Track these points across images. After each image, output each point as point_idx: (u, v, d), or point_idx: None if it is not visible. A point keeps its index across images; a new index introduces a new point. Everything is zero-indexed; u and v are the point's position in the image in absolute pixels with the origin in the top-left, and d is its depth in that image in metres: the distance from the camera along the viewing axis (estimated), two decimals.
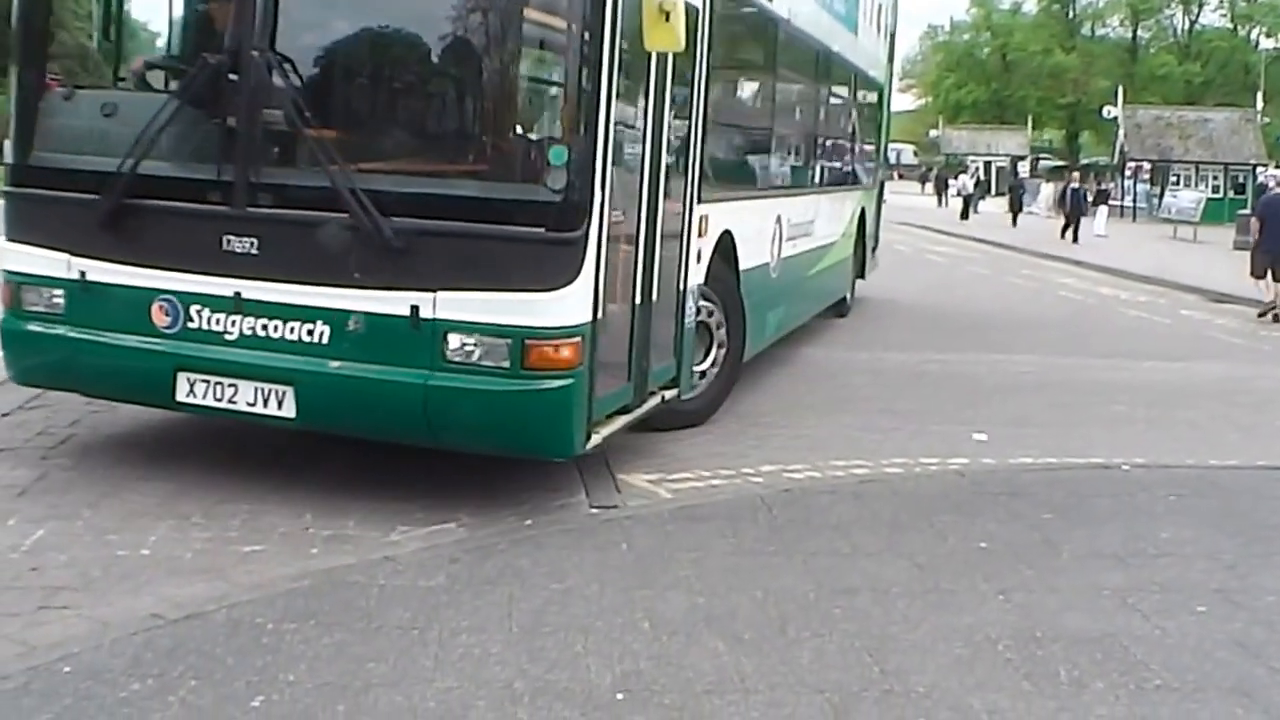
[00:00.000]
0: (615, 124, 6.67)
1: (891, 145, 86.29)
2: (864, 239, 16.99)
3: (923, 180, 66.43)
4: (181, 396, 6.96)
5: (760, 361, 11.82)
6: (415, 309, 6.47)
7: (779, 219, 11.13)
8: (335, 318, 6.62)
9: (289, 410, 6.77)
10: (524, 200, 6.50)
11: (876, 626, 5.42)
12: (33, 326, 7.31)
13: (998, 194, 56.67)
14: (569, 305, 6.46)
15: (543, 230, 6.42)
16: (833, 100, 14.58)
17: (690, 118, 8.26)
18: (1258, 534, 7.16)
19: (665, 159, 7.61)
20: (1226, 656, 5.32)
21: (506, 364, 6.42)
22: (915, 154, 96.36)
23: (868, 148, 17.34)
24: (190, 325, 6.87)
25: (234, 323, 6.79)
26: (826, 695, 4.71)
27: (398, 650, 4.99)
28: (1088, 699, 4.81)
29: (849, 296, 16.61)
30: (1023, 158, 74.74)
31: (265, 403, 6.79)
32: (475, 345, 6.44)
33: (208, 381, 6.88)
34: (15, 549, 6.21)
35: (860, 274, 17.19)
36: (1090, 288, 24.34)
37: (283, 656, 4.89)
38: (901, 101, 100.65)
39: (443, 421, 6.59)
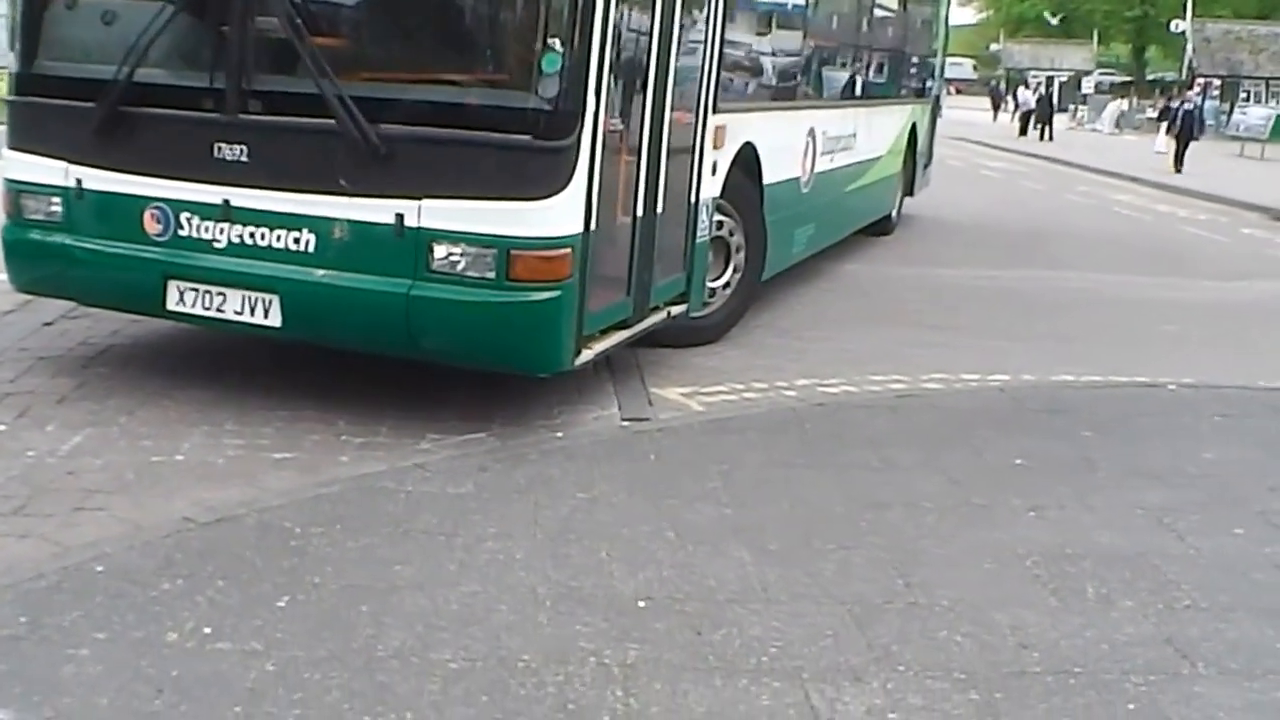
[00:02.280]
0: (616, 31, 6.59)
1: (953, 59, 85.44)
2: (914, 156, 16.70)
3: (993, 98, 65.47)
4: (172, 305, 7.02)
5: (801, 276, 11.88)
6: (400, 217, 6.45)
7: (812, 132, 10.97)
8: (321, 226, 6.63)
9: (275, 319, 6.82)
10: (512, 107, 6.43)
11: (904, 540, 5.48)
12: (33, 234, 7.40)
13: (1059, 109, 55.94)
14: (557, 216, 6.40)
15: (529, 138, 6.36)
16: (878, 11, 14.24)
17: (705, 25, 8.11)
18: None
19: (673, 68, 7.47)
20: (1262, 578, 5.33)
21: (491, 275, 6.37)
22: (975, 68, 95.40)
23: (920, 61, 17.01)
24: (180, 233, 6.93)
25: (222, 231, 6.83)
26: (849, 606, 4.77)
27: (424, 554, 5.10)
28: (1115, 616, 4.84)
29: (895, 214, 16.33)
30: (1087, 73, 73.79)
31: (252, 311, 6.83)
32: (460, 255, 6.39)
33: (196, 290, 6.94)
34: (53, 454, 6.35)
35: (909, 191, 16.97)
36: (1148, 205, 24.13)
37: (310, 559, 5.01)
38: (962, 15, 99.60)
39: (425, 333, 6.58)
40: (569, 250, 6.43)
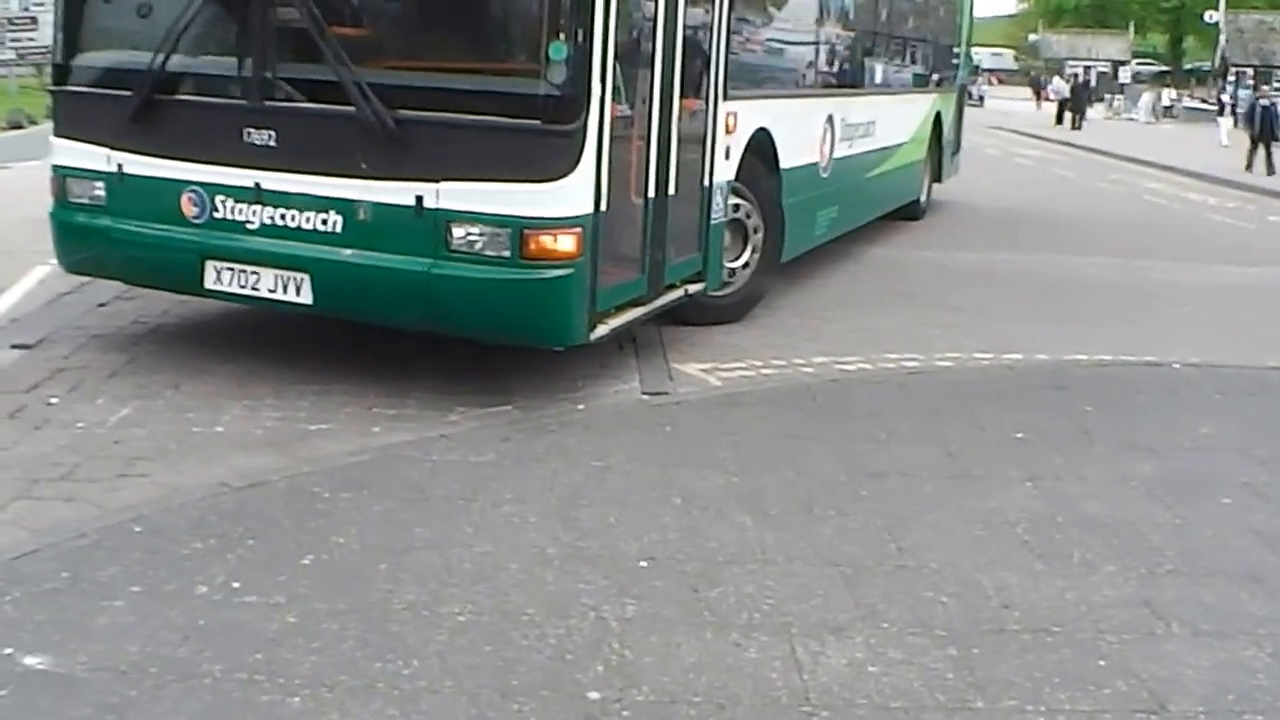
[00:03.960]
0: (621, 22, 6.70)
1: (992, 50, 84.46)
2: (940, 144, 16.68)
3: (1035, 87, 65.14)
4: (209, 284, 7.22)
5: (826, 259, 11.98)
6: (420, 199, 6.59)
7: (830, 119, 11.04)
8: (347, 207, 6.78)
9: (306, 297, 6.99)
10: (522, 93, 6.54)
11: (900, 508, 5.59)
12: (78, 217, 7.61)
13: (1095, 99, 55.50)
14: (567, 196, 6.52)
15: (539, 123, 6.48)
16: (896, 2, 14.23)
17: (713, 18, 8.20)
18: None
19: (680, 57, 7.55)
20: (1242, 545, 5.42)
21: (506, 253, 6.50)
22: (1016, 59, 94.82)
23: (944, 50, 16.96)
24: (216, 215, 7.10)
25: (255, 212, 6.99)
26: (840, 568, 4.90)
27: (442, 518, 5.26)
28: (1096, 580, 4.94)
29: (923, 200, 16.35)
30: (1124, 63, 73.26)
31: (285, 289, 7.02)
32: (477, 235, 6.54)
33: (232, 269, 7.12)
34: (102, 424, 6.57)
35: (937, 178, 16.99)
36: (1177, 193, 24.01)
37: (335, 521, 5.18)
38: (1002, 5, 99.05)
39: (445, 309, 6.73)
40: (579, 230, 6.55)
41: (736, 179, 8.76)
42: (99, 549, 4.82)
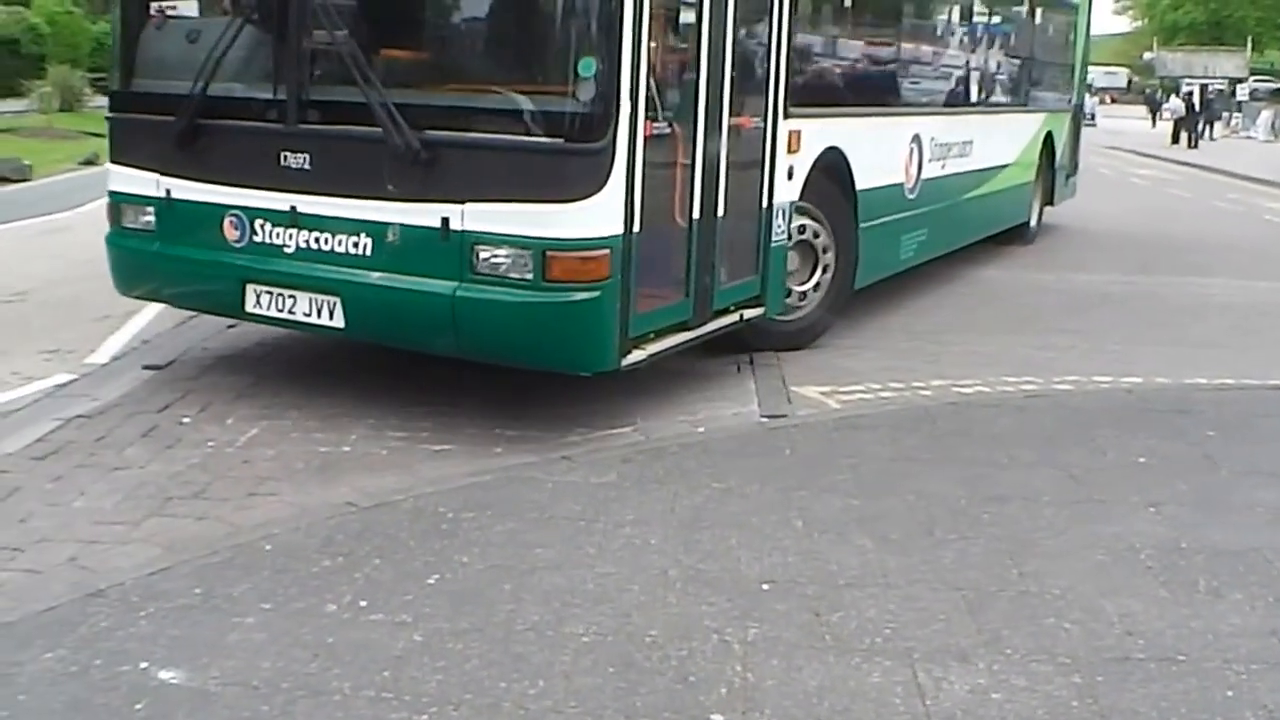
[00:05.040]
0: (659, 35, 6.61)
1: (1106, 69, 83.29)
2: (1052, 165, 16.29)
3: (1150, 105, 64.21)
4: (250, 307, 7.22)
5: (936, 281, 11.94)
6: (445, 220, 6.47)
7: (917, 138, 10.77)
8: (376, 230, 6.70)
9: (339, 321, 6.93)
10: (546, 111, 6.38)
11: (1022, 532, 5.51)
12: (131, 242, 7.65)
13: (1213, 118, 54.45)
14: (594, 217, 6.34)
15: (562, 141, 6.33)
16: (995, 18, 13.84)
17: (771, 33, 7.94)
18: None
19: (732, 73, 7.33)
20: None
21: (530, 276, 6.33)
22: (1130, 77, 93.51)
23: (1056, 68, 16.53)
24: (256, 239, 7.08)
25: (291, 236, 6.96)
26: (963, 593, 4.84)
27: (564, 538, 5.27)
28: (1222, 608, 4.82)
29: (1033, 224, 15.92)
30: (1241, 80, 71.87)
31: (319, 313, 6.97)
32: (501, 257, 6.38)
33: (271, 293, 7.09)
34: (231, 444, 6.70)
35: (1049, 201, 16.53)
36: None
37: (459, 541, 5.22)
38: (1116, 23, 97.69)
39: (470, 333, 6.58)
40: (607, 251, 6.38)
41: (803, 199, 8.53)
42: (230, 566, 4.91)
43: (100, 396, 7.47)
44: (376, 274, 6.72)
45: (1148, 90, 74.72)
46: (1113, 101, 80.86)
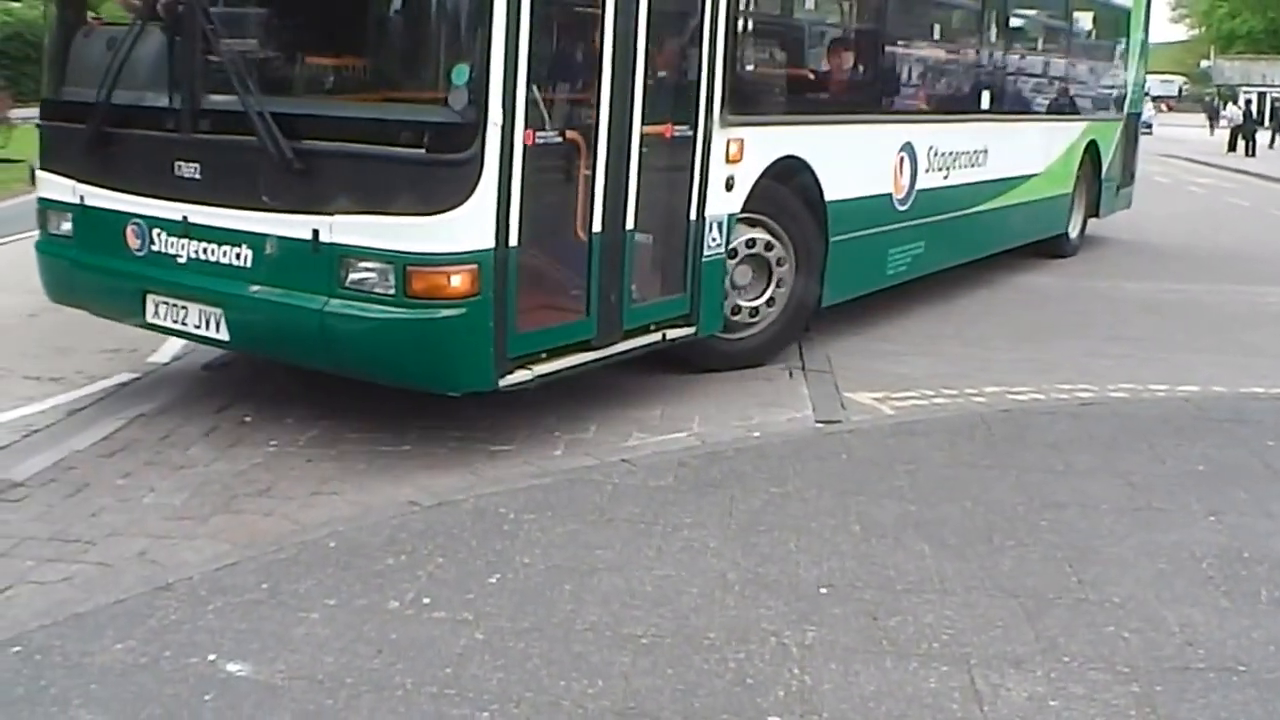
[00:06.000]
0: (543, 38, 6.22)
1: (1162, 77, 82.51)
2: (1098, 176, 15.52)
3: (1209, 113, 63.61)
4: (149, 318, 7.04)
5: (989, 288, 11.98)
6: (316, 233, 6.18)
7: (909, 147, 10.16)
8: (256, 242, 6.45)
9: (224, 333, 6.73)
10: (411, 121, 6.10)
11: (1080, 539, 5.46)
12: (54, 249, 7.55)
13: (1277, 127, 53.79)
14: (458, 230, 5.99)
15: (423, 152, 6.01)
16: (1021, 19, 13.21)
17: (701, 33, 7.43)
18: None
19: (647, 79, 6.86)
20: None
21: (392, 291, 6.02)
22: (1186, 85, 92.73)
23: (1100, 74, 15.65)
24: (154, 248, 6.89)
25: (183, 246, 6.74)
26: (1021, 600, 4.80)
27: (623, 540, 5.27)
28: None
29: (1073, 235, 15.23)
30: None
31: (206, 325, 6.75)
32: (367, 271, 6.08)
33: (167, 303, 6.90)
34: (294, 444, 6.78)
35: (1094, 213, 15.78)
36: None
37: (520, 541, 5.23)
38: (1172, 31, 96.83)
39: (340, 350, 6.33)
40: (474, 267, 6.03)
41: (751, 211, 8.12)
42: (295, 563, 4.94)
43: (162, 396, 7.55)
44: (256, 287, 6.49)
45: (1206, 98, 74.09)
46: (1169, 110, 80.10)
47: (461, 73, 5.91)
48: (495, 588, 4.76)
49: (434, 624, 4.43)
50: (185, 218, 6.70)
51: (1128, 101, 16.77)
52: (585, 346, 6.85)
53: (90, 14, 7.66)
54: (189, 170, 6.69)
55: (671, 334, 7.49)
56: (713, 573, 4.96)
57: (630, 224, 6.91)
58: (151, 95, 6.94)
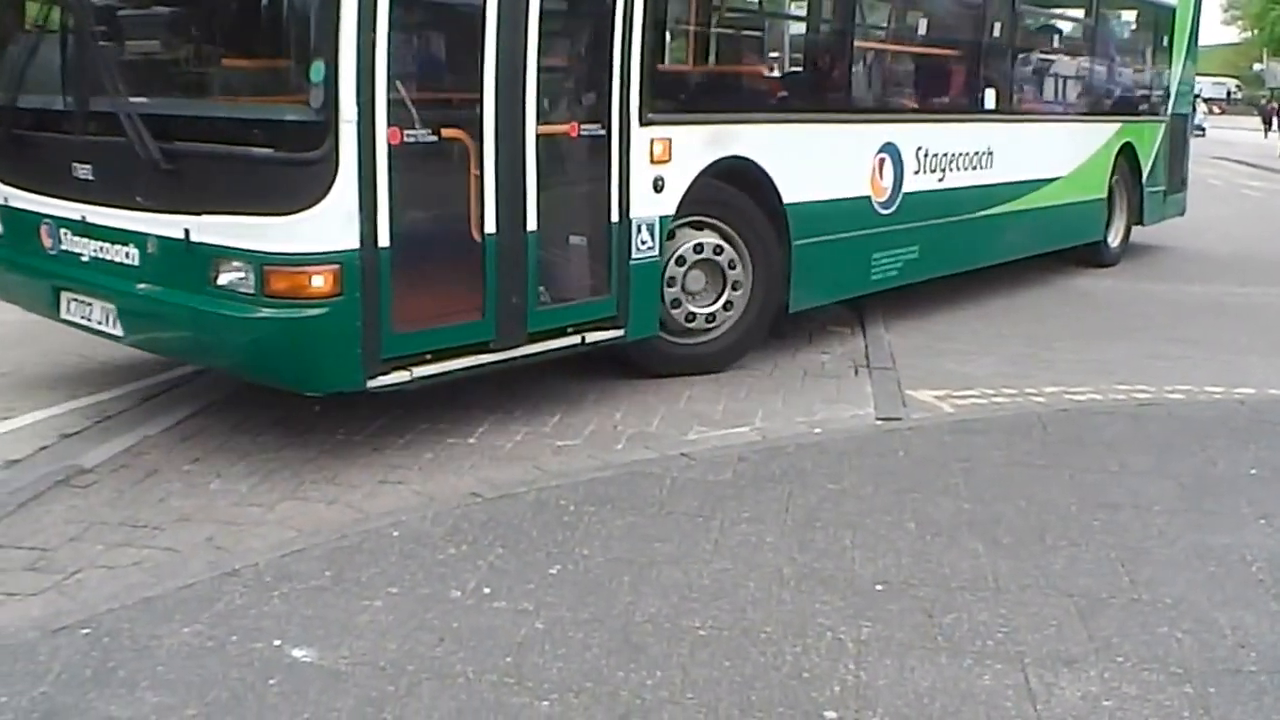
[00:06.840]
0: (405, 30, 6.08)
1: (1214, 79, 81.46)
2: (1139, 180, 14.62)
3: (1264, 116, 62.89)
4: (63, 314, 7.04)
5: (1053, 290, 11.91)
6: (188, 232, 6.08)
7: (892, 148, 9.68)
8: (140, 241, 6.39)
9: (119, 330, 6.67)
10: (266, 120, 6.04)
11: (1133, 540, 5.40)
12: None
13: None
14: (315, 230, 5.84)
15: (274, 151, 5.92)
16: (1036, 14, 12.64)
17: (612, 26, 7.12)
18: None
19: (540, 75, 6.61)
20: None
21: (251, 291, 5.89)
22: (1238, 88, 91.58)
23: (1138, 74, 14.94)
24: (63, 247, 6.91)
25: (85, 245, 6.74)
26: (1074, 599, 4.75)
27: (682, 534, 5.27)
28: None
29: (1113, 243, 14.43)
30: None
31: (106, 321, 6.70)
32: (230, 271, 5.97)
33: (77, 300, 6.90)
34: (361, 433, 6.83)
35: (1138, 220, 14.87)
36: None
37: (580, 533, 5.24)
38: (1225, 34, 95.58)
39: (211, 348, 6.30)
40: (335, 266, 5.86)
41: (693, 214, 7.91)
42: (360, 551, 4.97)
43: (235, 383, 7.59)
44: (141, 285, 6.44)
45: (1262, 101, 73.17)
46: (1220, 112, 79.07)
47: (318, 70, 5.75)
48: (555, 579, 4.78)
49: (495, 613, 4.45)
50: (84, 217, 6.71)
51: (1171, 103, 15.72)
52: (484, 348, 6.67)
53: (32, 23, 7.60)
54: (83, 171, 6.71)
55: (592, 337, 7.23)
56: (769, 567, 4.94)
57: (532, 225, 6.68)
58: (53, 98, 7.03)
